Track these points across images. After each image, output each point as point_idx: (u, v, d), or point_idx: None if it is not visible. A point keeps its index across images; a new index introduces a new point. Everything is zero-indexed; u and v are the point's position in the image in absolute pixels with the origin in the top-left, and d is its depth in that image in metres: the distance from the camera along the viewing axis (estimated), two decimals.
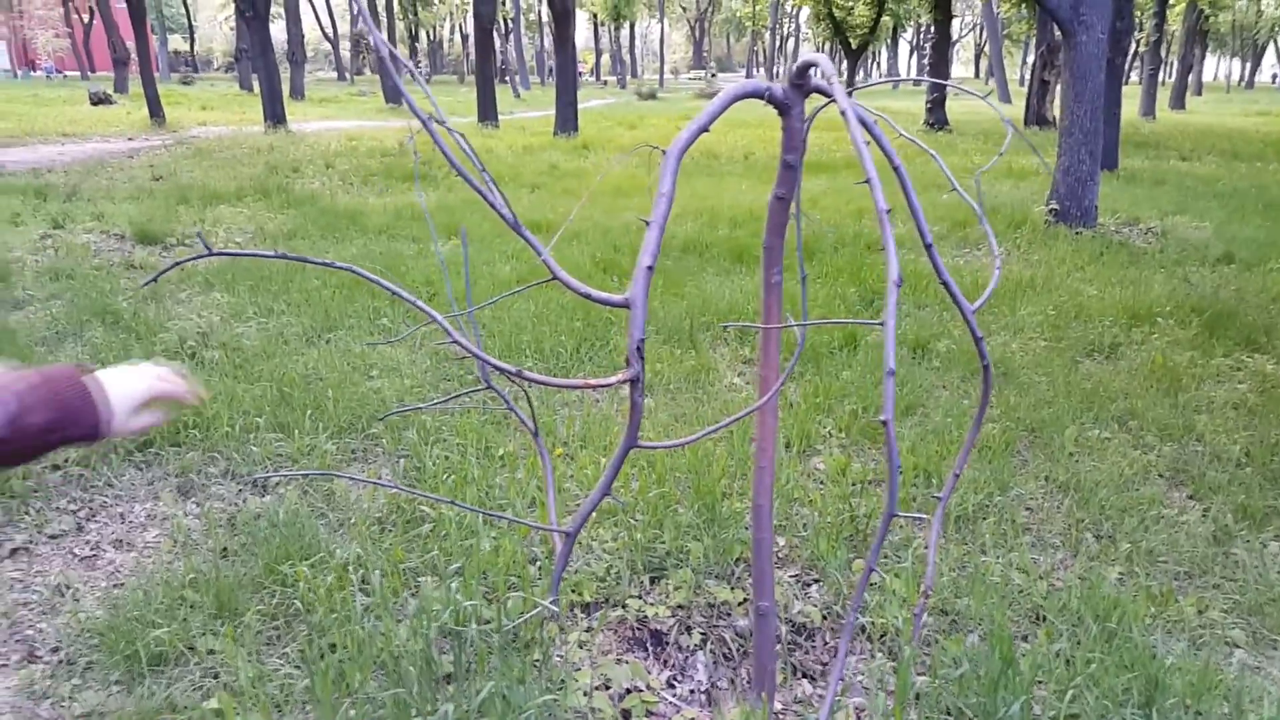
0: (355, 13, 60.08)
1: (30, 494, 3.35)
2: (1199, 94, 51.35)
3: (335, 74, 64.39)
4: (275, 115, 17.96)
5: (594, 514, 3.18)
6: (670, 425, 4.14)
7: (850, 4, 32.54)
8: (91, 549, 3.11)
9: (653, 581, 2.81)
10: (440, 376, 4.64)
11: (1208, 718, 2.20)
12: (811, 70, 1.98)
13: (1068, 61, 8.94)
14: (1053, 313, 6.00)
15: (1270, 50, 70.71)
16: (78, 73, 55.81)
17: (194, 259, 1.83)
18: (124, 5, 22.86)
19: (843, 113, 1.76)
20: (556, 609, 2.35)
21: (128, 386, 1.18)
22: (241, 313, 5.55)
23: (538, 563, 2.89)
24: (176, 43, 71.34)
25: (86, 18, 51.90)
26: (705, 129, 1.97)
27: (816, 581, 2.87)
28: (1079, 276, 7.19)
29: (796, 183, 2.13)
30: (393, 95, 31.77)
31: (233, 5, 22.33)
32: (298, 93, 32.17)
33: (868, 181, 1.72)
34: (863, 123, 1.85)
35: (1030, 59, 72.98)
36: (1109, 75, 9.92)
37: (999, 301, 6.40)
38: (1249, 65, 74.28)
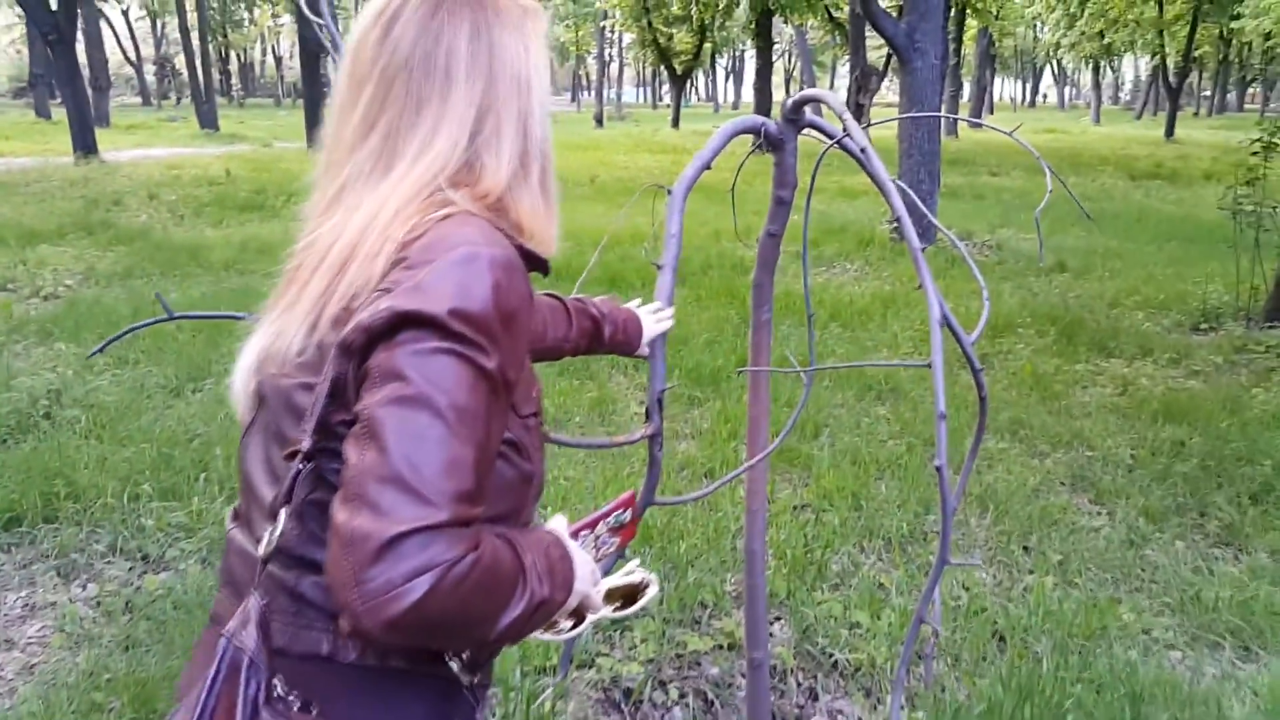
0: (159, 37, 56.68)
1: None
2: (992, 113, 55.59)
3: (139, 99, 60.47)
4: (86, 144, 16.58)
5: None
6: (587, 460, 4.02)
7: (673, 31, 33.34)
8: None
9: (620, 635, 2.69)
10: None
11: None
12: (808, 106, 1.95)
13: (904, 86, 9.42)
14: (920, 327, 6.26)
15: (1048, 72, 77.42)
16: None
17: (152, 323, 1.60)
18: None
19: (863, 151, 1.72)
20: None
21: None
22: (93, 364, 5.02)
23: None
24: None
25: None
26: (708, 165, 1.90)
27: (779, 619, 2.83)
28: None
29: (788, 219, 2.09)
30: (207, 120, 30.06)
31: (22, 28, 20.56)
32: (103, 120, 29.90)
33: (898, 220, 1.69)
34: (861, 155, 1.81)
35: (838, 83, 77.04)
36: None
37: (869, 318, 6.63)
38: (1030, 86, 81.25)
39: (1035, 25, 53.29)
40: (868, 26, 17.70)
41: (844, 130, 1.78)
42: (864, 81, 23.27)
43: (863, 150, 1.70)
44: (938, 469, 1.56)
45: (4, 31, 56.30)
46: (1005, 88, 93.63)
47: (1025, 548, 3.38)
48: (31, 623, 2.83)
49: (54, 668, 2.57)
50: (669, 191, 1.80)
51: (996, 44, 43.22)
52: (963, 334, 1.86)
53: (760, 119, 1.93)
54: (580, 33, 52.77)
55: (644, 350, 1.69)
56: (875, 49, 27.51)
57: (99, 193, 11.97)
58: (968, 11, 27.65)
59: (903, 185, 1.89)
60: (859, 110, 24.53)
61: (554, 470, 3.78)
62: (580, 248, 8.77)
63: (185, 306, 6.30)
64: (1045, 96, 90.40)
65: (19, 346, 5.40)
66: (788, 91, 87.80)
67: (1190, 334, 6.29)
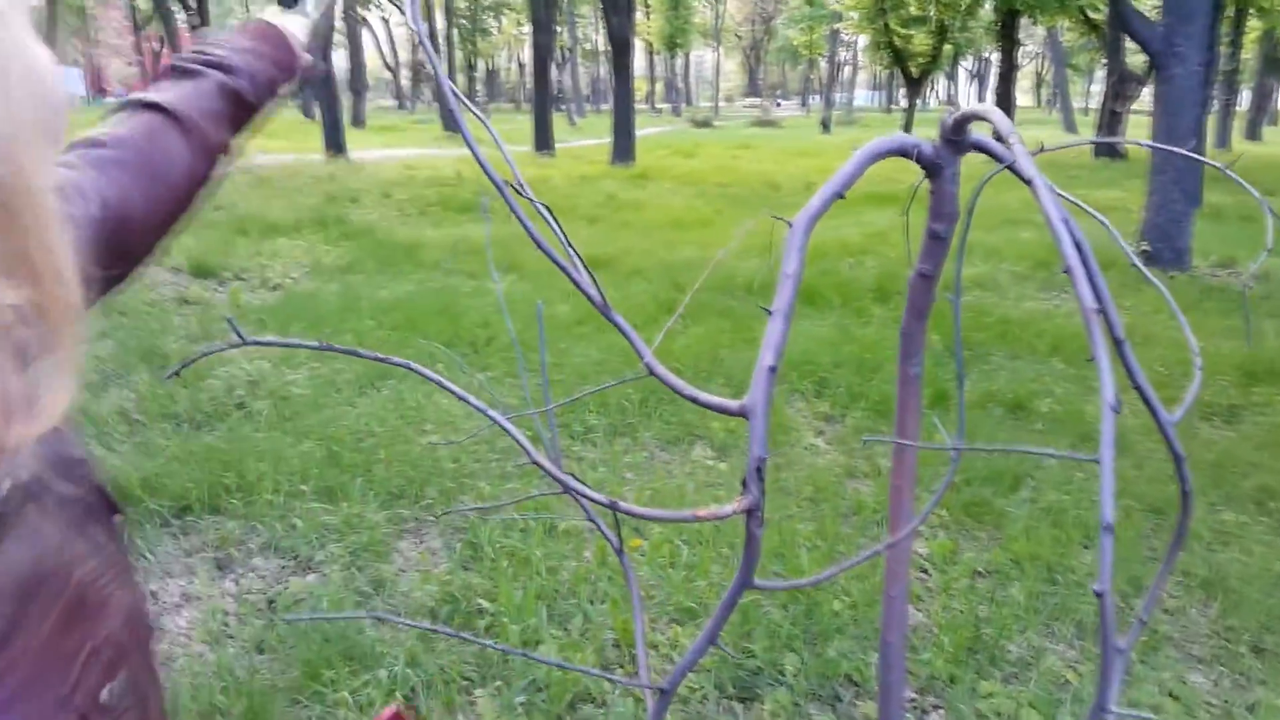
0: (417, 41, 60.54)
1: None
2: (1274, 124, 49.85)
3: (395, 102, 65.37)
4: (336, 144, 18.01)
5: (674, 613, 2.81)
6: (664, 529, 3.76)
7: (911, 33, 32.11)
8: None
9: (743, 703, 2.42)
10: (497, 432, 4.31)
11: None
12: (972, 124, 1.62)
13: (1159, 95, 8.45)
14: (1161, 369, 5.51)
15: None
16: None
17: (224, 348, 1.51)
18: (190, 34, 23.23)
19: (1030, 182, 1.38)
20: None
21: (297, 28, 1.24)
22: (292, 358, 5.28)
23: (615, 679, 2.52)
24: None
25: (156, 46, 53.26)
26: (840, 195, 1.59)
27: (937, 709, 2.46)
28: (1179, 325, 6.66)
29: (945, 256, 1.76)
30: (450, 123, 31.95)
31: None
32: (358, 121, 32.56)
33: (1068, 272, 1.34)
34: (1031, 184, 1.45)
35: (1094, 88, 71.76)
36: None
37: None
38: None
39: None
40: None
41: (1034, 153, 1.44)
42: (1121, 88, 21.42)
43: (1029, 181, 1.37)
44: (1098, 595, 1.21)
45: None
46: None
47: (1258, 649, 2.81)
48: (184, 612, 2.92)
49: (190, 663, 2.62)
50: (789, 224, 1.53)
51: None
52: (1161, 411, 1.47)
53: (912, 139, 1.61)
54: (814, 35, 52.04)
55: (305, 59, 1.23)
56: (1136, 52, 25.25)
57: (339, 190, 12.87)
58: (1249, 12, 24.82)
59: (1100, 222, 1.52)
60: (1115, 118, 22.58)
61: (663, 531, 3.54)
62: (777, 262, 8.49)
63: (390, 303, 6.56)
64: None
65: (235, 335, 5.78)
66: (1038, 96, 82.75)
67: None
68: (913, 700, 2.48)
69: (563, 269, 1.58)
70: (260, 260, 8.20)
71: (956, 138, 1.65)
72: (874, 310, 6.76)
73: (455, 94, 1.43)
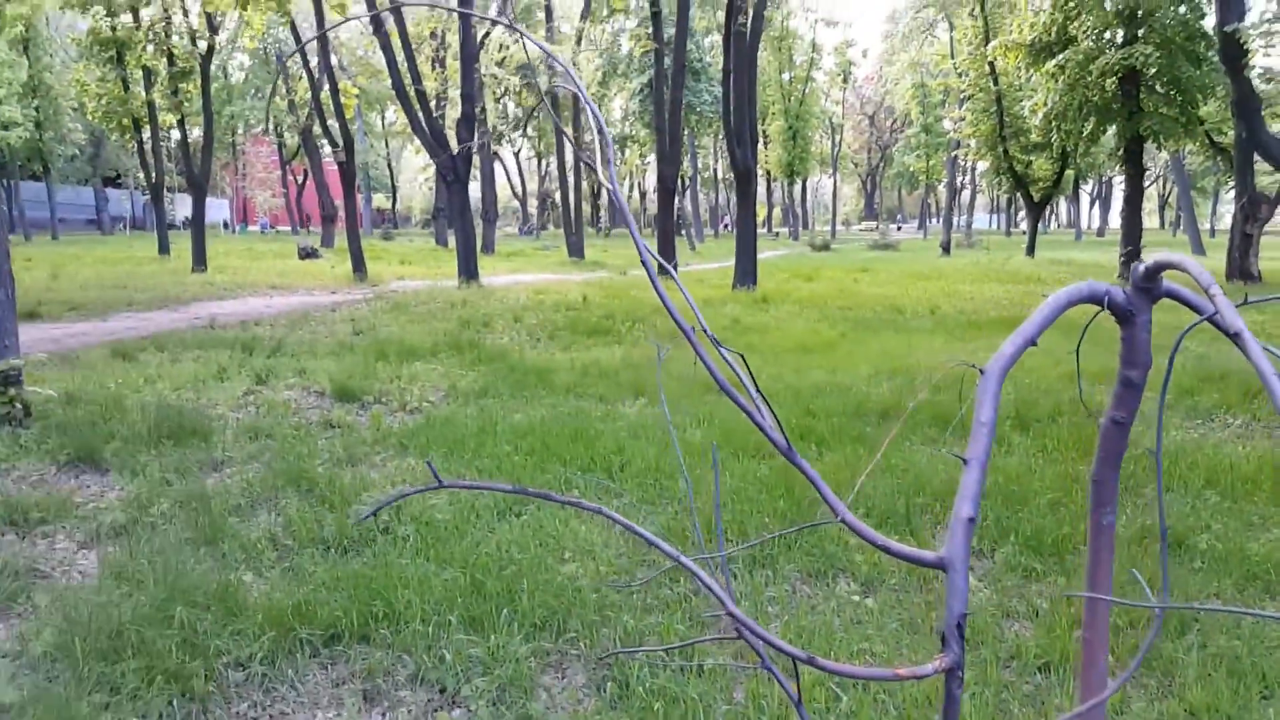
0: (543, 174, 64.36)
1: (208, 696, 3.16)
2: None
3: (522, 228, 68.38)
4: (469, 270, 18.87)
5: None
6: (900, 634, 3.61)
7: (1030, 158, 31.96)
8: None
9: None
10: (638, 560, 4.30)
11: None
12: (1165, 272, 1.59)
13: None
14: None
15: None
16: (289, 228, 61.38)
17: (423, 490, 1.58)
18: (335, 166, 25.00)
19: (1238, 335, 1.35)
20: None
21: None
22: (430, 482, 5.43)
23: None
24: (379, 200, 77.85)
25: (300, 178, 57.35)
26: (1033, 342, 1.58)
27: None
28: None
29: (1138, 404, 1.71)
30: (575, 249, 33.19)
31: (434, 168, 24.08)
32: (489, 247, 34.13)
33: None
34: (1238, 338, 1.42)
35: (1219, 209, 69.36)
36: None
37: (1258, 487, 5.55)
38: None
39: None
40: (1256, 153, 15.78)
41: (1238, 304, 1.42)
42: (1252, 210, 20.71)
43: (1237, 334, 1.33)
44: None
45: (420, 171, 66.45)
46: None
47: None
48: None
49: None
50: (981, 371, 1.52)
51: None
52: None
53: (1104, 286, 1.60)
54: (931, 162, 52.31)
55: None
56: (1265, 174, 24.44)
57: (473, 314, 13.40)
58: None
59: None
60: (1246, 240, 21.72)
61: (814, 673, 3.41)
62: (913, 384, 8.35)
63: (525, 428, 6.70)
64: None
65: (378, 458, 5.99)
66: (1162, 219, 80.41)
67: None
68: None
69: (748, 414, 1.61)
70: (399, 384, 8.54)
71: (1149, 285, 1.63)
72: (1014, 439, 6.54)
73: (646, 249, 1.49)
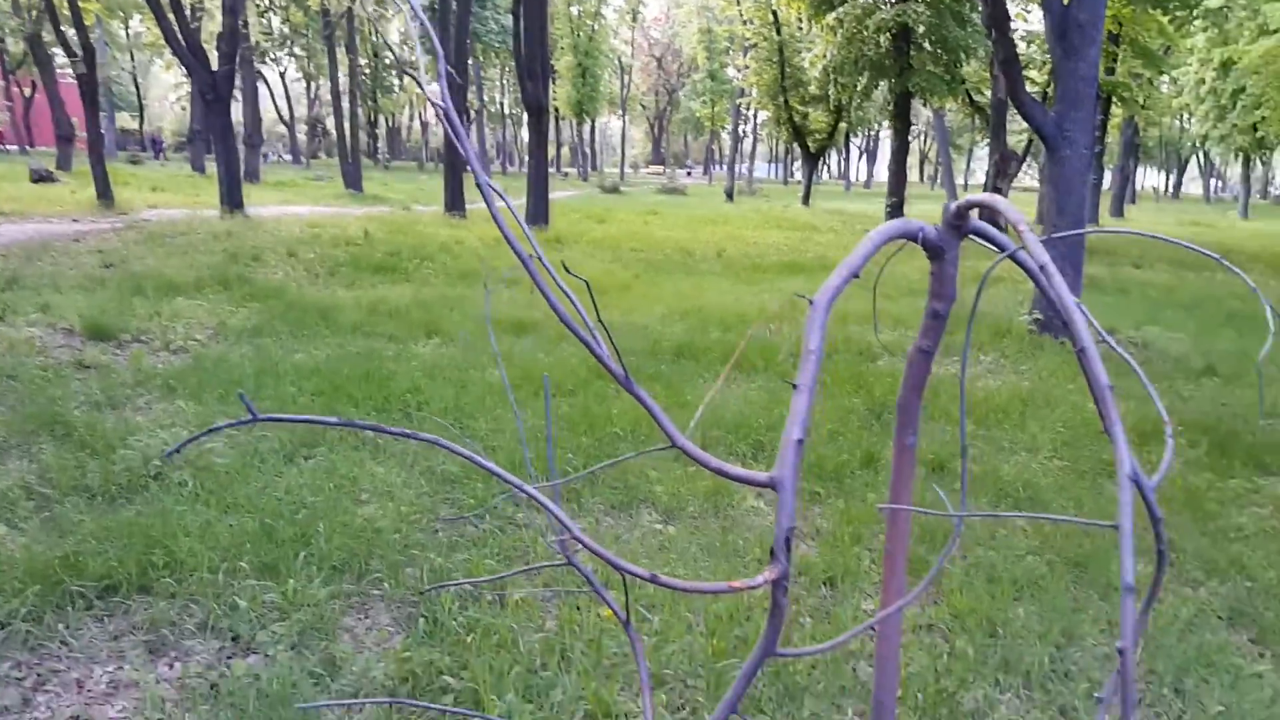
0: (313, 99, 60.65)
1: None
2: (1134, 203, 53.55)
3: (290, 157, 64.32)
4: (233, 200, 17.53)
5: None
6: (700, 558, 3.77)
7: (809, 110, 33.44)
8: None
9: None
10: (440, 500, 4.22)
11: None
12: (973, 212, 1.71)
13: (1051, 176, 9.00)
14: (1063, 430, 5.79)
15: (1193, 164, 74.38)
16: (16, 147, 54.55)
17: (237, 424, 1.46)
18: (72, 81, 22.39)
19: (1042, 269, 1.46)
20: None
21: None
22: (209, 423, 5.07)
23: None
24: (124, 120, 70.68)
25: (28, 91, 50.94)
26: (856, 274, 1.65)
27: None
28: (1073, 389, 7.02)
29: (942, 334, 1.84)
30: (352, 181, 31.59)
31: (187, 85, 22.07)
32: (253, 176, 31.82)
33: (1082, 351, 1.42)
34: (1039, 272, 1.55)
35: (973, 166, 75.66)
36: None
37: (1006, 416, 6.19)
38: (1174, 177, 78.02)
39: (1182, 116, 51.31)
40: (1009, 111, 17.28)
41: (1045, 240, 1.53)
42: (1003, 166, 22.74)
43: (1042, 267, 1.45)
44: (1120, 652, 1.27)
45: (173, 89, 60.81)
46: (1148, 177, 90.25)
47: (1179, 691, 2.96)
48: (115, 702, 2.73)
49: None
50: (810, 302, 1.58)
51: (1142, 133, 41.71)
52: (1145, 480, 1.56)
53: (918, 224, 1.69)
54: (716, 109, 53.58)
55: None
56: (1015, 133, 26.87)
57: (240, 247, 12.50)
58: (1113, 100, 26.77)
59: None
60: (996, 194, 23.82)
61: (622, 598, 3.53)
62: (704, 325, 8.62)
63: (310, 368, 6.37)
64: (1165, 190, 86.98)
65: (142, 400, 5.52)
66: (921, 173, 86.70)
67: None
68: None
69: (587, 344, 1.60)
70: (160, 321, 7.84)
71: (958, 223, 1.74)
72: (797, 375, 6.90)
73: (488, 184, 1.43)
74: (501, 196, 1.82)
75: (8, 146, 60.66)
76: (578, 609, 3.20)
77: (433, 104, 1.74)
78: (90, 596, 3.18)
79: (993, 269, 1.83)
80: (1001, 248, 1.68)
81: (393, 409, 5.45)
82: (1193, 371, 7.92)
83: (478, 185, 1.52)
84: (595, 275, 11.73)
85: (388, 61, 54.35)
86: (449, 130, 1.53)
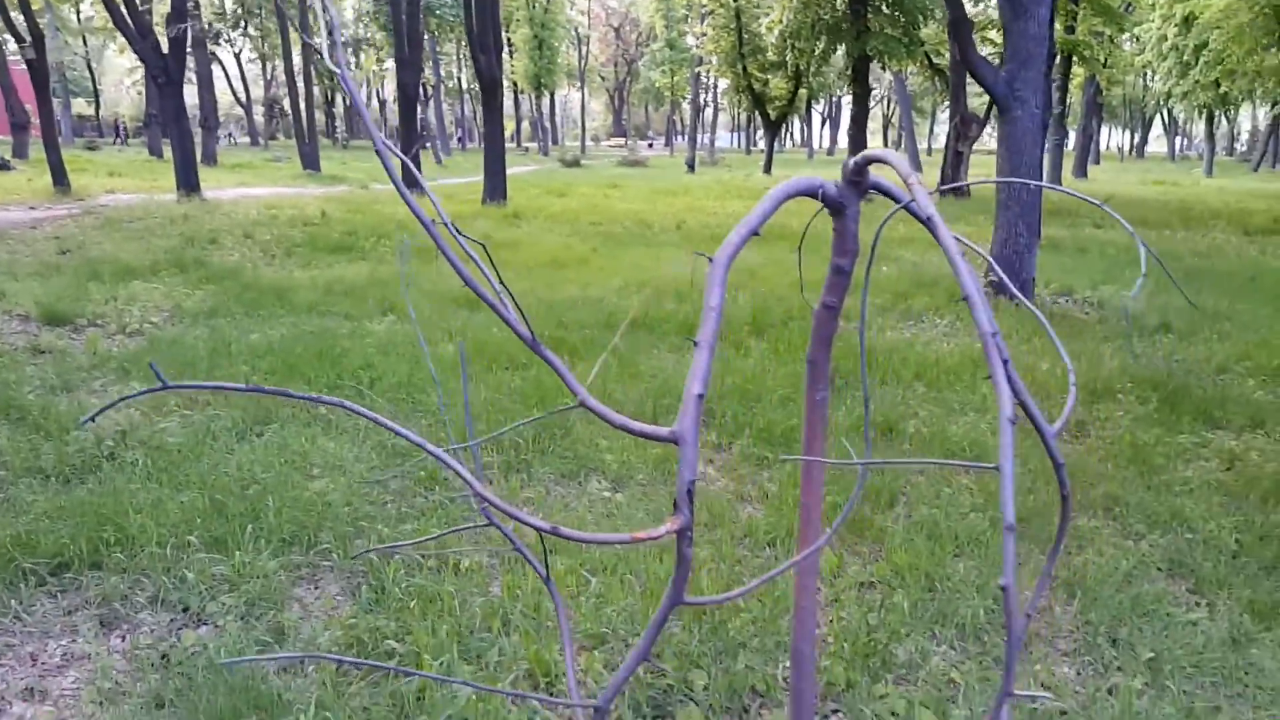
0: (269, 80, 59.63)
1: None
2: (1098, 163, 54.03)
3: (248, 139, 63.38)
4: (189, 183, 17.32)
5: (585, 640, 2.86)
6: (646, 523, 3.85)
7: (768, 77, 33.41)
8: None
9: None
10: (390, 474, 4.27)
11: None
12: (869, 167, 1.77)
13: (1003, 136, 9.10)
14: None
15: (1157, 122, 75.06)
16: None
17: (145, 393, 1.50)
18: (24, 68, 21.95)
19: (929, 220, 1.54)
20: None
21: None
22: (163, 405, 5.08)
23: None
24: (80, 106, 69.28)
25: None
26: (755, 232, 1.72)
27: (836, 712, 2.59)
28: (1027, 349, 7.17)
29: (847, 289, 1.91)
30: (310, 161, 31.21)
31: (142, 69, 21.69)
32: (210, 158, 31.34)
33: (966, 299, 1.50)
34: (927, 222, 1.62)
35: (937, 129, 76.04)
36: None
37: (958, 378, 6.32)
38: (1139, 136, 78.70)
39: (1145, 74, 51.72)
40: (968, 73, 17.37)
41: (934, 193, 1.61)
42: (964, 129, 22.85)
43: (929, 219, 1.52)
44: (1003, 589, 1.35)
45: (127, 74, 59.58)
46: (1113, 137, 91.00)
47: (1114, 640, 3.07)
48: (68, 673, 2.78)
49: None
50: (710, 260, 1.64)
51: (1104, 92, 42.09)
52: (1044, 424, 1.64)
53: (818, 180, 1.77)
54: (676, 78, 53.35)
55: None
56: (976, 95, 27.06)
57: (196, 230, 12.40)
58: (1074, 59, 26.97)
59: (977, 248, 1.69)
60: (958, 158, 24.06)
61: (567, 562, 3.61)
62: (659, 296, 8.68)
63: (264, 348, 6.37)
64: (1124, 150, 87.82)
65: (97, 384, 5.51)
66: (885, 138, 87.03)
67: None
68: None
69: (492, 306, 1.66)
70: (116, 305, 7.81)
71: (858, 179, 1.82)
72: (750, 343, 7.00)
73: (382, 140, 1.48)
74: (399, 157, 1.87)
75: None
76: (524, 575, 3.27)
77: (332, 69, 1.77)
78: (43, 573, 3.22)
79: (887, 220, 1.91)
80: (899, 201, 1.75)
81: (345, 385, 5.48)
82: (1148, 328, 8.07)
83: (376, 151, 1.57)
84: (553, 250, 11.75)
85: (343, 39, 53.52)
86: (354, 100, 1.57)
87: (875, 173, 1.81)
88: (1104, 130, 69.26)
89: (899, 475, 4.47)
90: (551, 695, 2.56)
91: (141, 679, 2.70)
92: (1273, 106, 37.93)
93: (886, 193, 1.75)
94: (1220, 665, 2.91)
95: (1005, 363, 1.60)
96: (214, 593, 3.15)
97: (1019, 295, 1.69)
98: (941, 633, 3.09)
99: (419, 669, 2.59)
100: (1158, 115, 69.09)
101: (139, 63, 22.93)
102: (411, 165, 1.63)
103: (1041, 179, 12.78)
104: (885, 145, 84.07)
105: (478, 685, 1.57)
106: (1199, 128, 64.91)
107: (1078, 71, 31.73)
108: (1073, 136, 42.99)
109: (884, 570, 3.52)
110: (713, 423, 5.18)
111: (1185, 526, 4.00)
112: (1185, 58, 36.31)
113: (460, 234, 1.68)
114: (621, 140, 77.12)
